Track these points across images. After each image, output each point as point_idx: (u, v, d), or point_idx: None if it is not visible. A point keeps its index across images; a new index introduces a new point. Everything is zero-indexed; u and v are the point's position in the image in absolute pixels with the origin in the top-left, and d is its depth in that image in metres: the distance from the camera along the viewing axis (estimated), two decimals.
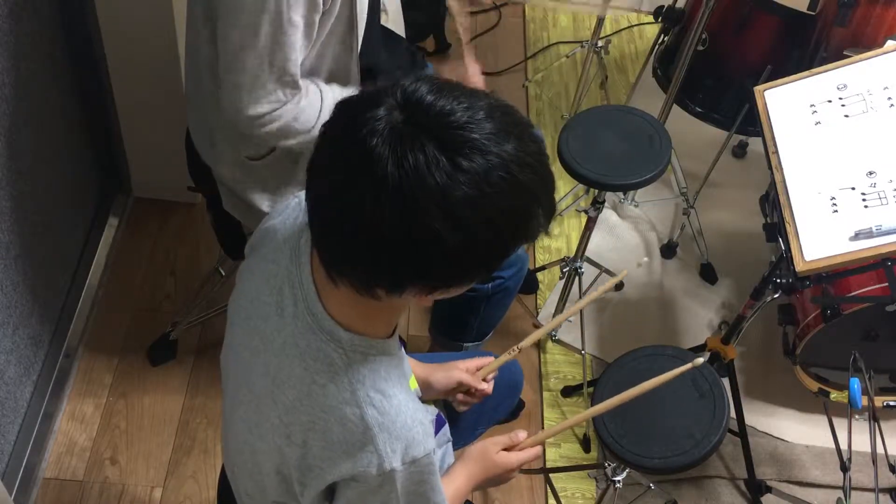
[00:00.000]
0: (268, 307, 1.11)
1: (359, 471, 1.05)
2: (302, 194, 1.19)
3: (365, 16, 1.64)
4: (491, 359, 1.59)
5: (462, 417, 1.66)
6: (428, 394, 1.55)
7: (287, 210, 1.19)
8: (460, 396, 1.58)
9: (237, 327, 1.20)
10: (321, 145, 0.98)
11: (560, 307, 2.42)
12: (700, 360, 1.40)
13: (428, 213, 0.89)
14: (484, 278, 1.03)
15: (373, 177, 0.90)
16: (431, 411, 1.54)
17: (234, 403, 1.21)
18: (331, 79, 1.67)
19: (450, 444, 1.57)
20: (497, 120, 0.93)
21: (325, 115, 1.58)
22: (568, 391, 2.41)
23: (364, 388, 1.05)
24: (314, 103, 1.60)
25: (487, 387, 1.57)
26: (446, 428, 1.57)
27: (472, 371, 1.56)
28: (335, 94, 1.65)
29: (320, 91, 1.63)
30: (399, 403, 1.07)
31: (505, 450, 1.43)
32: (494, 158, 0.90)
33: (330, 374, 1.06)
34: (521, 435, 1.44)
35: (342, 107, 0.98)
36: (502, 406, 1.77)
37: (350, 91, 1.66)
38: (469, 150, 0.90)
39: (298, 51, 1.51)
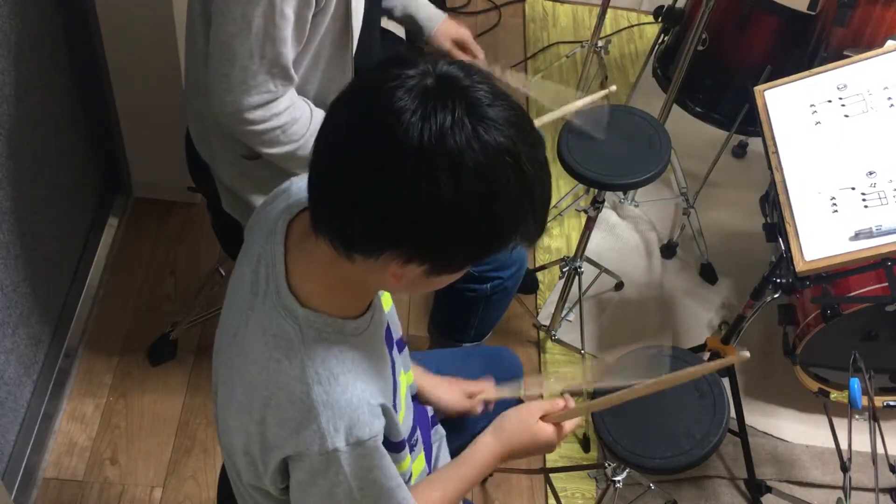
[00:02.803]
0: (247, 286, 1.14)
1: (301, 449, 1.06)
2: (295, 178, 1.21)
3: (361, 17, 1.64)
4: (490, 385, 1.61)
5: None
6: (424, 400, 1.57)
7: (279, 195, 1.21)
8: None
9: (225, 307, 1.22)
10: (346, 93, 1.01)
11: (560, 307, 2.42)
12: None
13: (438, 171, 0.92)
14: (461, 268, 1.04)
15: (392, 128, 0.92)
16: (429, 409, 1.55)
17: (217, 383, 1.22)
18: (326, 80, 1.66)
19: (443, 439, 1.58)
20: (515, 114, 0.97)
21: (312, 136, 1.60)
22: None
23: (314, 365, 1.06)
24: (304, 119, 1.60)
25: (480, 409, 1.61)
26: (438, 426, 1.57)
27: (471, 395, 1.60)
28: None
29: (311, 111, 1.62)
30: (347, 382, 1.07)
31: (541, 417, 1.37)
32: (507, 141, 0.95)
33: (285, 350, 1.07)
34: (560, 403, 1.38)
35: (378, 63, 1.01)
36: (502, 404, 1.78)
37: None
38: (488, 125, 0.94)
39: (290, 45, 1.51)
